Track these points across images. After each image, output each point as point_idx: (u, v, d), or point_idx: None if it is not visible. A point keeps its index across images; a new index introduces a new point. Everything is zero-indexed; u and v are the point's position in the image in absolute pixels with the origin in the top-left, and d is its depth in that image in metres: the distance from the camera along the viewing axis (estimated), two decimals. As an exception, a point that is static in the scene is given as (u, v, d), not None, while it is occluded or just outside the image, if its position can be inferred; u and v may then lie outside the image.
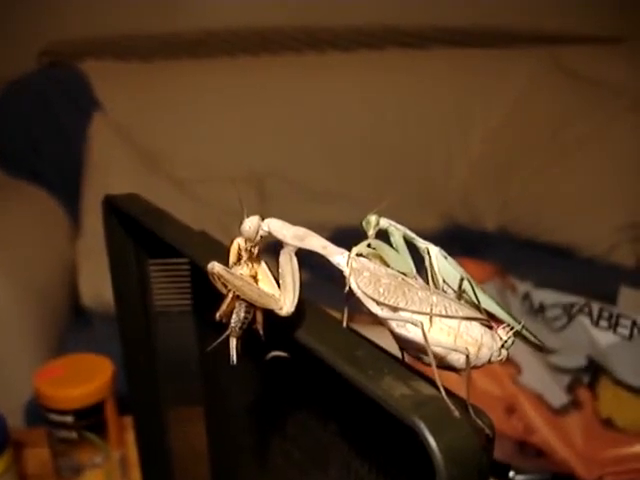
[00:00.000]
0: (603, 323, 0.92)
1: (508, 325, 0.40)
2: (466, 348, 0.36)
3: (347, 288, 0.40)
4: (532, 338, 0.44)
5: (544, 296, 1.00)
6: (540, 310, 0.99)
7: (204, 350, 0.58)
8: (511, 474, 0.76)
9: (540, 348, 0.45)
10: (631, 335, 0.91)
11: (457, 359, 0.37)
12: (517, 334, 0.41)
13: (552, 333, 0.95)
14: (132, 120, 2.06)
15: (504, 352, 0.39)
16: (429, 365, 0.35)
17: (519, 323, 0.42)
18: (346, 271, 0.40)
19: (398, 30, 2.34)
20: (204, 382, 0.60)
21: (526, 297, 1.01)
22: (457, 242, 2.01)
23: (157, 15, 2.25)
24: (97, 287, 1.62)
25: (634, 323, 0.92)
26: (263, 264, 0.40)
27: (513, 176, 2.15)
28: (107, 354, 0.90)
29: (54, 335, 1.53)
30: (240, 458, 0.56)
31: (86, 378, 0.84)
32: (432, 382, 0.33)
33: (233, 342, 0.38)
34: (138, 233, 0.53)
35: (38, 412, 0.86)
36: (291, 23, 2.29)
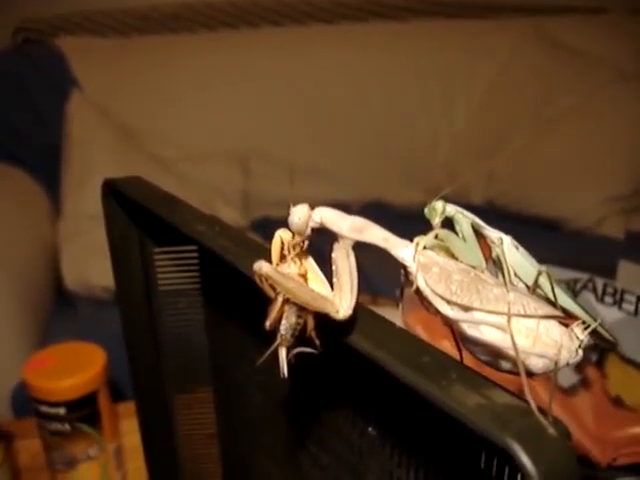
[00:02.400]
0: (608, 299, 0.90)
1: (583, 322, 0.36)
2: (555, 353, 0.33)
3: (414, 287, 0.35)
4: (607, 335, 0.40)
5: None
6: (542, 287, 0.97)
7: (212, 334, 0.55)
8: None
9: (614, 345, 0.41)
10: (636, 311, 0.89)
11: (535, 364, 0.33)
12: (592, 332, 0.37)
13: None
14: (111, 97, 2.01)
15: (580, 352, 0.35)
16: (502, 371, 0.32)
17: (595, 320, 0.38)
18: (412, 267, 0.35)
19: (380, 2, 2.31)
20: (213, 367, 0.56)
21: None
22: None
23: (134, -12, 2.19)
24: (80, 270, 1.59)
25: (639, 299, 0.90)
26: (311, 260, 0.36)
27: (498, 149, 2.13)
28: (93, 338, 0.86)
29: (38, 320, 1.49)
30: (254, 441, 0.54)
31: (78, 368, 0.80)
32: (511, 393, 0.30)
33: (283, 353, 0.33)
34: (143, 219, 0.50)
35: (26, 401, 0.83)
36: (272, -5, 2.24)
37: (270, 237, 0.36)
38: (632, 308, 0.89)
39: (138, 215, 0.50)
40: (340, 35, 2.23)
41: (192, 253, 0.50)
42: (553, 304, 0.38)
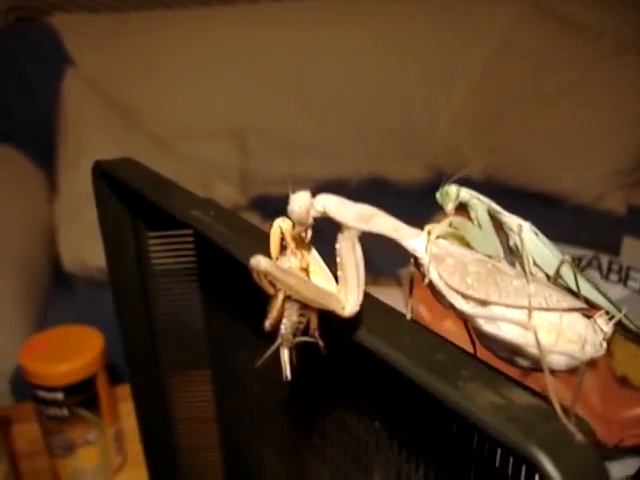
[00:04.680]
0: (613, 276, 0.89)
1: (606, 312, 0.34)
2: (580, 349, 0.31)
3: (427, 280, 0.33)
4: (632, 326, 0.38)
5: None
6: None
7: (209, 319, 0.54)
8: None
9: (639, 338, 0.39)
10: (642, 288, 0.88)
11: (557, 361, 0.31)
12: (618, 323, 0.34)
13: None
14: (105, 74, 1.98)
15: (604, 345, 0.33)
16: (521, 368, 0.30)
17: (619, 310, 0.35)
18: (425, 258, 0.33)
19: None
20: (210, 351, 0.55)
21: (531, 252, 0.97)
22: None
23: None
24: (78, 251, 1.57)
25: (644, 276, 0.88)
26: (314, 252, 0.33)
27: (498, 124, 2.11)
28: (92, 320, 0.85)
29: (36, 302, 1.48)
30: (253, 429, 0.52)
31: (75, 352, 0.79)
32: (532, 392, 0.28)
33: (285, 354, 0.31)
34: (135, 203, 0.48)
35: (25, 386, 0.82)
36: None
37: (268, 215, 0.34)
38: (637, 285, 0.88)
39: (130, 198, 0.48)
40: (337, 11, 2.20)
41: (187, 237, 0.48)
42: (575, 295, 0.35)
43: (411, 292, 0.35)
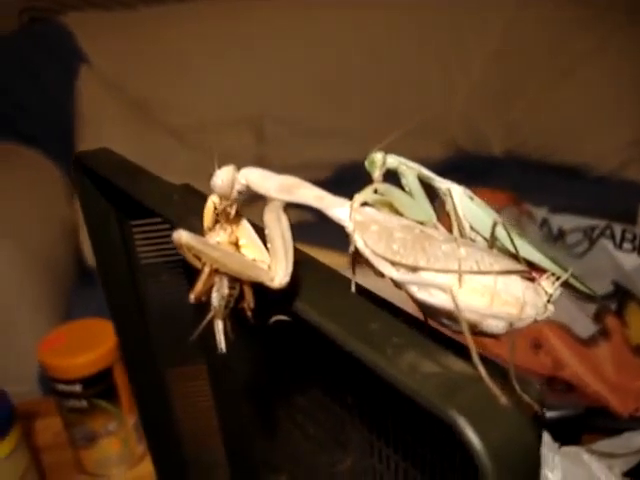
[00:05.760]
0: (627, 245, 0.88)
1: (553, 274, 0.33)
2: (518, 312, 0.30)
3: (352, 247, 0.32)
4: (582, 287, 0.37)
5: (563, 221, 0.95)
6: (560, 236, 0.94)
7: (198, 307, 0.53)
8: (544, 411, 0.72)
9: (592, 297, 0.38)
10: (657, 256, 0.87)
11: (495, 324, 0.30)
12: (565, 284, 0.34)
13: (574, 259, 0.90)
14: (120, 70, 1.99)
15: (550, 307, 0.32)
16: (461, 333, 0.30)
17: (566, 271, 0.35)
18: (349, 226, 0.32)
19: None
20: (203, 340, 0.55)
21: (544, 223, 0.96)
22: (464, 170, 1.95)
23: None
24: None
25: (660, 243, 0.87)
26: (246, 225, 0.33)
27: (516, 98, 2.09)
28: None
29: (60, 298, 1.50)
30: (248, 413, 0.52)
31: (91, 344, 0.80)
32: (472, 360, 0.26)
33: (219, 325, 0.31)
34: (114, 193, 0.48)
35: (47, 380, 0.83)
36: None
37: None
38: (652, 253, 0.87)
39: (110, 190, 0.48)
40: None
41: (167, 225, 0.48)
42: (517, 259, 0.34)
43: (353, 265, 0.35)
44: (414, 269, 0.31)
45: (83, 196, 0.49)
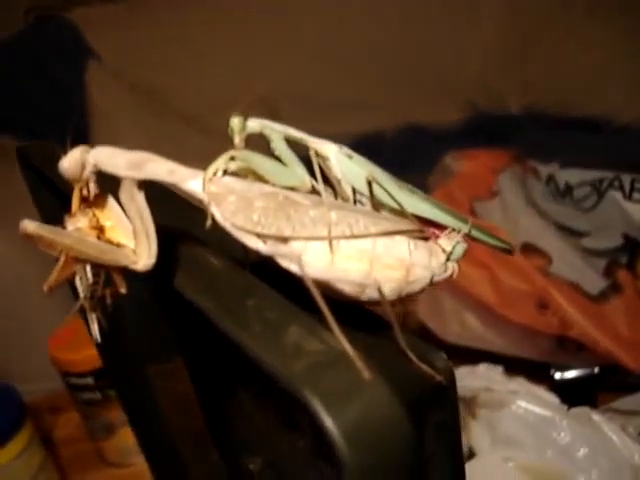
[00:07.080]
0: (636, 195, 0.85)
1: (454, 230, 0.31)
2: (405, 274, 0.27)
3: (209, 222, 0.29)
4: (492, 240, 0.34)
5: (569, 175, 0.92)
6: (567, 191, 0.92)
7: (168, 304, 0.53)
8: (553, 372, 0.71)
9: (509, 251, 0.35)
10: (669, 205, 0.84)
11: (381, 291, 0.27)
12: (471, 238, 0.31)
13: (582, 214, 0.88)
14: (129, 62, 1.98)
15: (452, 265, 0.30)
16: (360, 303, 0.27)
17: (466, 223, 0.32)
18: (204, 199, 0.30)
19: None
20: (177, 335, 0.54)
21: (550, 179, 0.94)
22: (482, 131, 1.92)
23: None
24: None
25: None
26: (114, 207, 0.30)
27: (531, 52, 2.04)
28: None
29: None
30: (225, 405, 0.52)
31: (100, 337, 0.80)
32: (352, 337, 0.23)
33: (92, 316, 0.30)
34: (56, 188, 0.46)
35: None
36: None
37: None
38: (663, 202, 0.84)
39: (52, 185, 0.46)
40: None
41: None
42: (414, 216, 0.32)
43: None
44: (283, 240, 0.29)
45: (31, 191, 0.48)
